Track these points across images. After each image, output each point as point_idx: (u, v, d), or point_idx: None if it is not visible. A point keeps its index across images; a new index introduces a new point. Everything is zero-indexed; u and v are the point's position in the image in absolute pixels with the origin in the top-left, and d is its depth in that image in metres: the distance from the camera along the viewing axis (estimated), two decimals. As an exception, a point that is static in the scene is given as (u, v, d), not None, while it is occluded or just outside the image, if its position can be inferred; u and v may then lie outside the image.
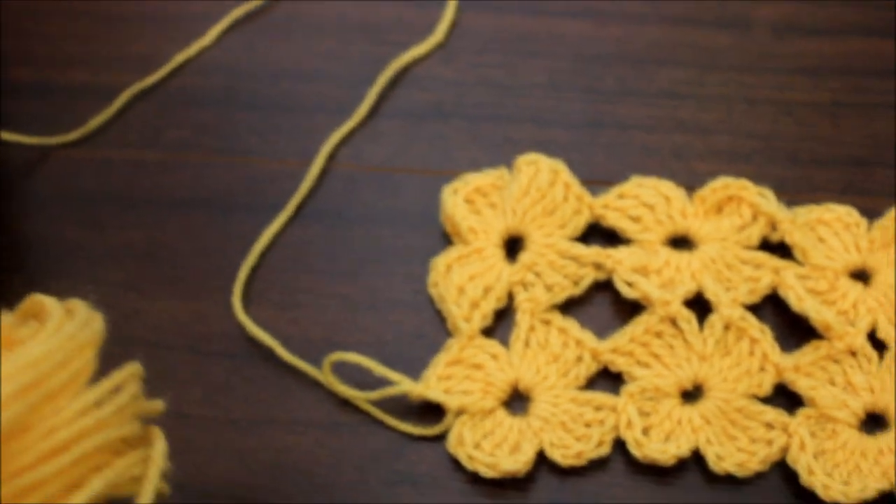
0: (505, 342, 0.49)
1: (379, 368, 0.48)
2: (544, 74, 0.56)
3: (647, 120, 0.55)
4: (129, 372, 0.38)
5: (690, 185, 0.52)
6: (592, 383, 0.48)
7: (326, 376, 0.48)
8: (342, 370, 0.48)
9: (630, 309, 0.49)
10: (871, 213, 0.51)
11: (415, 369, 0.48)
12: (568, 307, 0.50)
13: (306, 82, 0.56)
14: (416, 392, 0.47)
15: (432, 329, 0.50)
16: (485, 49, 0.57)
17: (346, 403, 0.48)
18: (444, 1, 0.58)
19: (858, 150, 0.54)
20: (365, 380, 0.48)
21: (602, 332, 0.49)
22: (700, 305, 0.49)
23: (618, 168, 0.53)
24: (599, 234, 0.51)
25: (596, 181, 0.52)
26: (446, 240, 0.52)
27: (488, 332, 0.49)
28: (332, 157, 0.54)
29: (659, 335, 0.48)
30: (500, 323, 0.50)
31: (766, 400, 0.47)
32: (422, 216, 0.53)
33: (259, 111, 0.56)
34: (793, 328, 0.49)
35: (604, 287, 0.50)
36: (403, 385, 0.47)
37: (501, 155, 0.53)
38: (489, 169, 0.52)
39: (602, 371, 0.49)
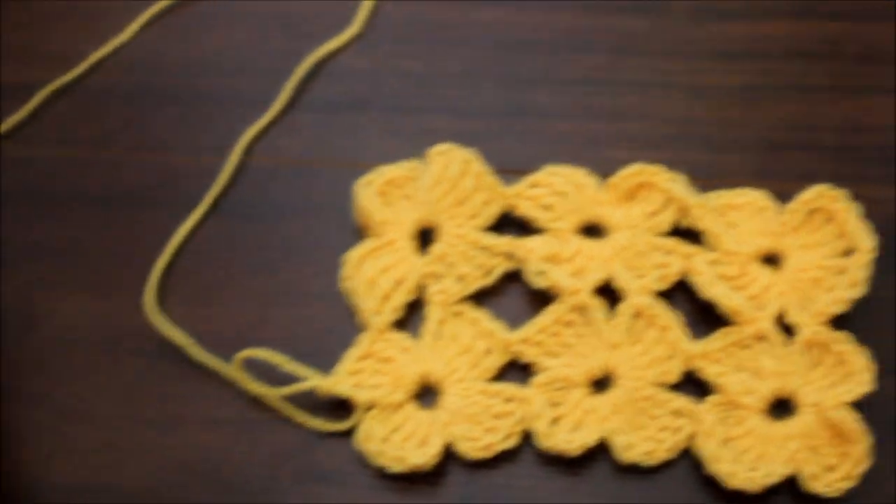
0: (418, 334, 0.49)
1: (288, 364, 0.47)
2: (461, 63, 0.56)
3: (563, 108, 0.54)
4: None
5: (606, 172, 0.51)
6: (504, 374, 0.48)
7: (237, 373, 0.47)
8: (256, 367, 0.48)
9: (543, 299, 0.49)
10: (787, 196, 0.50)
11: (329, 364, 0.48)
12: (481, 298, 0.50)
13: (224, 77, 0.56)
14: (324, 387, 0.47)
15: (346, 323, 0.50)
16: (402, 39, 0.56)
17: (258, 400, 0.48)
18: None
19: (771, 132, 0.53)
20: (279, 376, 0.48)
21: (515, 322, 0.49)
22: (612, 294, 0.49)
23: (534, 156, 0.52)
24: (513, 224, 0.51)
25: (512, 170, 0.52)
26: (363, 233, 0.51)
27: (401, 324, 0.49)
28: (248, 151, 0.54)
29: (569, 324, 0.48)
30: (414, 314, 0.50)
31: (676, 387, 0.47)
32: (338, 209, 0.52)
33: (176, 107, 0.55)
34: (705, 314, 0.49)
35: (517, 277, 0.50)
36: (313, 380, 0.47)
37: (418, 146, 0.52)
38: (406, 160, 0.52)
39: (515, 362, 0.48)
